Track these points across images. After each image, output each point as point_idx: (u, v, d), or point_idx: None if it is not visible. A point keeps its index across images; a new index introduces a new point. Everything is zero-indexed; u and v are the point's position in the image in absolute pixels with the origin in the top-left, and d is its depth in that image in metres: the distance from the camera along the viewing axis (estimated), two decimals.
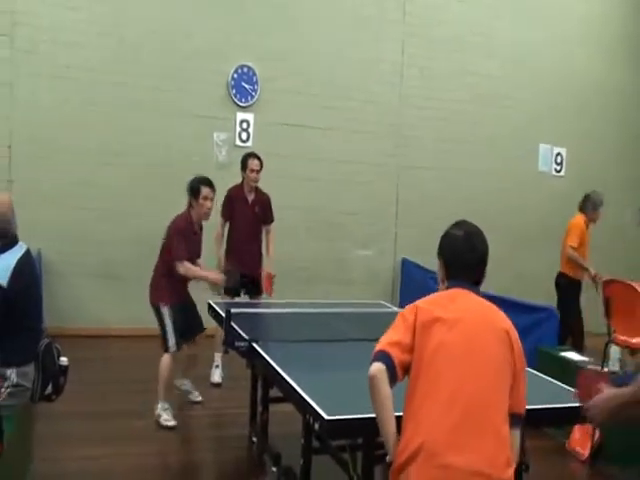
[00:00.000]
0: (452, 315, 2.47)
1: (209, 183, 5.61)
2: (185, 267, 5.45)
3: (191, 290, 5.78)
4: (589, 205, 7.41)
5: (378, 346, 2.50)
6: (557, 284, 7.45)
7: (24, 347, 3.74)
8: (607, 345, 5.30)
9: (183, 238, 5.50)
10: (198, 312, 5.79)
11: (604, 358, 5.27)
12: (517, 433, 2.47)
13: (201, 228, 5.83)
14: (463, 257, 2.62)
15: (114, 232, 8.11)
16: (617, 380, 4.98)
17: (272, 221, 6.78)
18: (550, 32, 10.20)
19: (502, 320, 2.55)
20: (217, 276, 5.67)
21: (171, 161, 8.34)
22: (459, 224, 2.70)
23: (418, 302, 2.58)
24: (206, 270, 5.79)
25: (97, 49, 8.10)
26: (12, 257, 3.69)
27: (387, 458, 2.49)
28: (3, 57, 7.81)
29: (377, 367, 2.43)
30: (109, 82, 8.14)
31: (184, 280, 5.60)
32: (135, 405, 5.63)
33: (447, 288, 2.63)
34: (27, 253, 3.80)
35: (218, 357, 6.50)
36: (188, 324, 5.65)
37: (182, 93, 8.43)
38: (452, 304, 2.53)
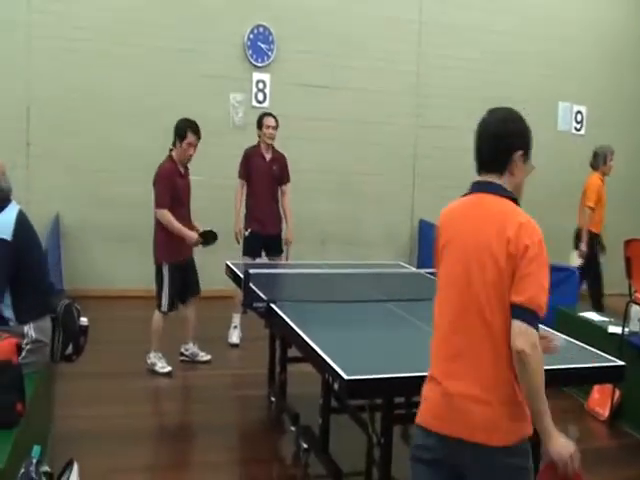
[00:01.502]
0: (457, 237, 2.32)
1: (196, 130, 5.67)
2: (164, 214, 5.56)
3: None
4: (599, 160, 7.44)
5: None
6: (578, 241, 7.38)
7: (36, 301, 3.77)
8: (628, 305, 5.25)
9: (168, 184, 5.59)
10: (197, 274, 5.92)
11: (625, 318, 5.22)
12: (518, 323, 2.15)
13: (186, 169, 5.87)
14: (478, 143, 2.37)
15: (130, 195, 8.10)
16: (637, 341, 4.96)
17: (288, 181, 6.74)
18: None
19: (505, 226, 2.23)
20: (192, 237, 5.64)
21: None
22: (492, 109, 2.41)
23: (441, 217, 2.44)
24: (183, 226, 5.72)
25: (113, 11, 8.01)
26: (10, 214, 3.71)
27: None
28: (20, 20, 7.75)
29: None
30: (126, 44, 8.07)
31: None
32: None
33: (468, 192, 2.41)
34: (21, 210, 3.81)
35: (237, 318, 6.53)
36: (185, 285, 5.79)
37: (198, 54, 8.34)
38: (461, 218, 2.35)
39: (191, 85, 8.33)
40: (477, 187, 2.37)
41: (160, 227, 5.65)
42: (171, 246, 5.62)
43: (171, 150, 5.73)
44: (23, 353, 3.54)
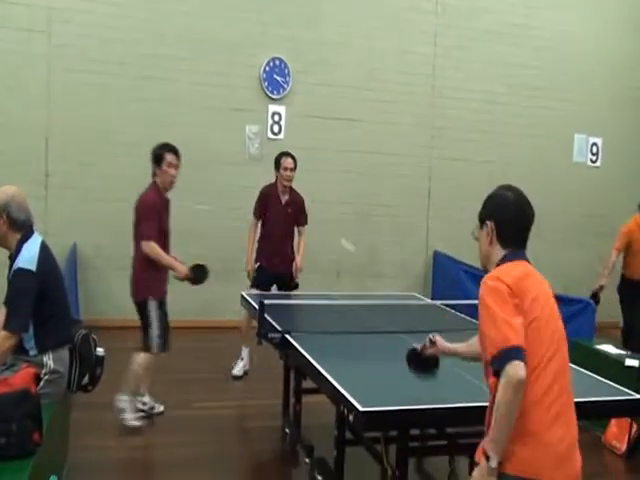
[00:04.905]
0: (535, 294, 2.42)
1: (173, 149, 5.29)
2: (151, 247, 5.09)
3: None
4: None
5: (509, 340, 2.24)
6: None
7: (56, 331, 3.81)
8: None
9: (154, 214, 5.16)
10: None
11: None
12: None
13: (168, 201, 5.42)
14: (516, 221, 2.56)
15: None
16: None
17: (305, 223, 6.64)
18: (588, 19, 10.00)
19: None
20: (182, 268, 5.20)
21: (204, 154, 8.37)
22: (507, 187, 2.63)
23: (508, 280, 2.38)
24: (173, 259, 5.28)
25: (130, 44, 8.17)
26: (34, 245, 3.77)
27: (493, 463, 2.27)
28: (40, 53, 7.91)
29: (523, 370, 2.21)
30: (143, 77, 8.21)
31: (166, 270, 5.28)
32: (168, 396, 5.67)
33: (506, 258, 2.53)
34: (44, 241, 3.87)
35: (245, 351, 6.46)
36: (167, 322, 5.35)
37: (214, 86, 8.46)
38: (530, 280, 2.46)
39: (207, 117, 8.44)
40: (524, 256, 2.58)
41: (142, 261, 5.19)
42: (155, 281, 5.23)
43: (154, 179, 5.34)
44: (41, 383, 3.57)
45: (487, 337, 2.31)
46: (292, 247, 6.62)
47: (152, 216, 5.14)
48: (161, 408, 5.49)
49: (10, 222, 3.74)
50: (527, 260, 2.56)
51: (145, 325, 5.18)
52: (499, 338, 2.25)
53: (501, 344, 2.24)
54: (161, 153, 5.26)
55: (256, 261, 6.50)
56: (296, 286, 6.46)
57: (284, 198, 6.50)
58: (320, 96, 8.87)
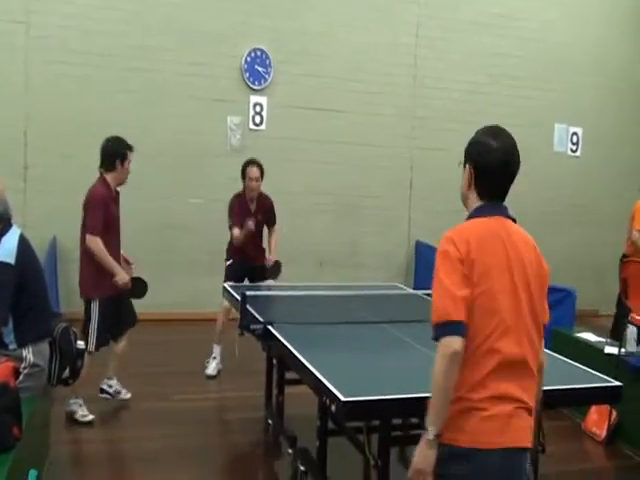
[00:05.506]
0: (494, 260, 2.28)
1: (132, 147, 5.32)
2: (95, 243, 5.02)
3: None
4: None
5: (449, 315, 2.19)
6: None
7: (35, 324, 3.80)
8: (624, 326, 5.26)
9: (101, 207, 5.09)
10: (132, 304, 5.46)
11: (621, 339, 5.23)
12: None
13: (118, 194, 5.42)
14: (497, 173, 2.38)
15: (129, 217, 8.10)
16: (633, 361, 4.96)
17: (274, 224, 6.53)
18: (567, 9, 10.03)
19: (538, 254, 2.45)
20: (124, 275, 5.15)
21: (186, 146, 8.34)
22: (494, 132, 2.44)
23: (462, 246, 2.26)
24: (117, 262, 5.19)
25: (113, 35, 8.09)
26: (13, 238, 3.76)
27: (430, 435, 2.25)
28: (18, 44, 7.82)
29: (459, 343, 2.18)
30: (126, 68, 8.15)
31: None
32: (150, 388, 5.68)
33: (477, 212, 2.39)
34: (22, 234, 3.86)
35: (217, 349, 6.37)
36: (119, 318, 5.31)
37: (195, 77, 8.41)
38: (493, 243, 2.32)
39: (189, 108, 8.39)
40: (499, 211, 2.44)
41: (89, 255, 5.10)
42: (102, 277, 5.08)
43: (102, 174, 5.27)
44: (21, 377, 3.55)
45: (433, 303, 2.28)
46: (262, 243, 6.54)
47: (99, 209, 5.09)
48: (128, 395, 5.49)
49: None
50: (506, 215, 2.42)
51: (85, 322, 5.10)
52: (440, 310, 2.23)
53: (442, 317, 2.22)
54: (125, 152, 5.27)
55: (228, 258, 6.42)
56: (278, 267, 6.33)
57: (252, 207, 6.40)
58: (302, 87, 8.84)
